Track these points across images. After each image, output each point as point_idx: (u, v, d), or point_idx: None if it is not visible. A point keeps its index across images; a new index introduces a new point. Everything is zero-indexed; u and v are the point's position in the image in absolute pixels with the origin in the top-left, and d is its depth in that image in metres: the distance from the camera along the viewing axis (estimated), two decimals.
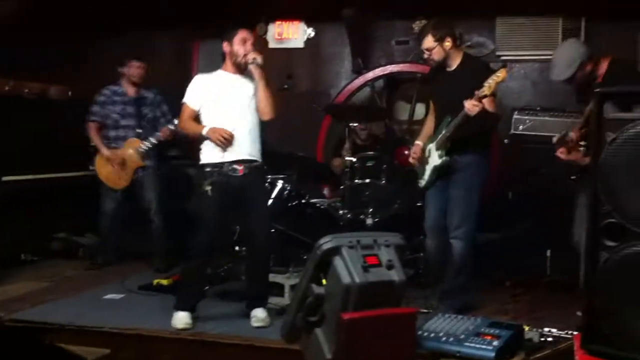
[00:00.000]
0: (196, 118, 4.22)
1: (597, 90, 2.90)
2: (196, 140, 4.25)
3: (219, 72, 4.28)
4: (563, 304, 4.36)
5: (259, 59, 4.11)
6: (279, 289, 4.49)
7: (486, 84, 3.89)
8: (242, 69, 4.21)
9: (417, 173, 4.49)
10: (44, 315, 4.16)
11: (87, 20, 6.08)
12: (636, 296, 2.70)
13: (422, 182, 4.41)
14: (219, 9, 6.11)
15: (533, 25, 5.98)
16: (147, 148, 5.42)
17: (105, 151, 5.45)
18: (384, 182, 4.96)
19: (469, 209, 4.22)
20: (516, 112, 5.21)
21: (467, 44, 5.83)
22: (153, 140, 5.41)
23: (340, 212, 4.89)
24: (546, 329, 3.64)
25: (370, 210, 4.87)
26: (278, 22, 6.62)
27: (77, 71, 6.40)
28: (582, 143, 3.94)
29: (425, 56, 4.32)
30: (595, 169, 2.81)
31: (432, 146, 4.31)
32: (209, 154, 4.15)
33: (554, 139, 4.09)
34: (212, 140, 4.08)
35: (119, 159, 5.42)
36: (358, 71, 6.36)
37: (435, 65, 4.33)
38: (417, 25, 6.24)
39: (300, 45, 6.64)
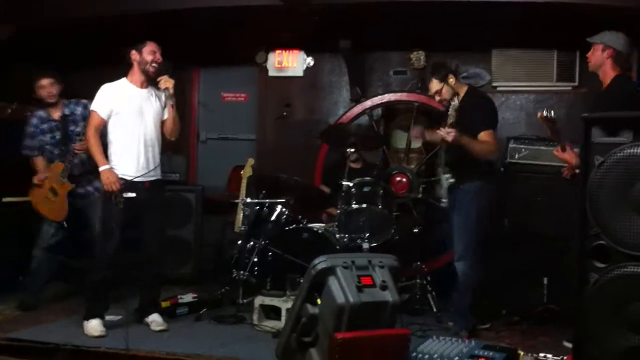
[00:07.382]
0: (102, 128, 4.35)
1: (585, 115, 2.98)
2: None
3: (126, 84, 4.40)
4: (558, 332, 4.39)
5: (171, 89, 4.37)
6: (275, 313, 4.52)
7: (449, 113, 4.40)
8: (148, 78, 4.38)
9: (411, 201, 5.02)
10: (38, 335, 4.19)
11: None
12: (623, 317, 2.73)
13: (444, 203, 4.72)
14: (221, 38, 6.22)
15: (528, 57, 6.09)
16: (68, 167, 4.92)
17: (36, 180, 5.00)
18: (380, 207, 5.00)
19: (468, 232, 4.44)
20: (512, 141, 5.27)
21: (463, 74, 5.91)
22: (71, 158, 4.92)
23: (337, 236, 4.93)
24: (541, 354, 3.67)
25: (367, 235, 4.91)
26: (278, 51, 6.71)
27: None
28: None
29: (437, 99, 4.65)
30: (584, 191, 2.87)
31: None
32: (118, 168, 4.28)
33: (539, 115, 3.69)
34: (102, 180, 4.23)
35: (47, 188, 4.95)
36: (356, 100, 6.40)
37: (447, 105, 4.62)
38: (414, 56, 6.38)
39: (300, 74, 6.72)
